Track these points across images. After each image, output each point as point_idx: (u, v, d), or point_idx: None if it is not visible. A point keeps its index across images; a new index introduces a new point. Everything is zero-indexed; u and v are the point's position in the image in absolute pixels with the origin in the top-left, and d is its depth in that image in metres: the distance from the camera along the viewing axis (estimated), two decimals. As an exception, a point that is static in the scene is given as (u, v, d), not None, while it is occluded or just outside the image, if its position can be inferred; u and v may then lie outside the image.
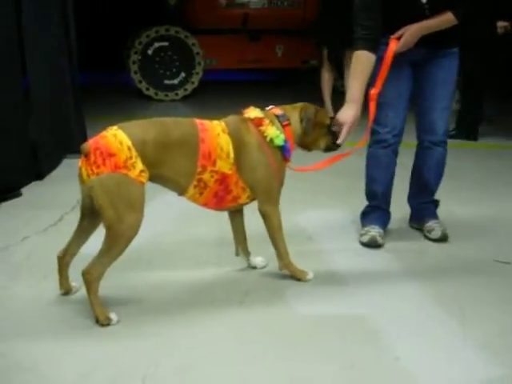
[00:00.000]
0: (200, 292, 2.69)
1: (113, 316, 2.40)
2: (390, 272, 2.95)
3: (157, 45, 8.38)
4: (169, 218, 3.59)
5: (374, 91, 2.92)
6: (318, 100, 6.85)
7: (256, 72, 10.18)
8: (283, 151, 2.65)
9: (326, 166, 2.92)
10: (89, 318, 2.41)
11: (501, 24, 5.76)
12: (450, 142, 3.30)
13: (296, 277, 2.77)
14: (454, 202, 3.87)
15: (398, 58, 2.95)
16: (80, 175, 2.36)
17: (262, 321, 2.45)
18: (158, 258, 3.03)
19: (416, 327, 2.43)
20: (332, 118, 2.85)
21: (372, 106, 2.93)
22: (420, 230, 3.42)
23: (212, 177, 2.52)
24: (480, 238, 3.38)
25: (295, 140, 2.73)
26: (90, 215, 2.46)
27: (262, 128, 2.62)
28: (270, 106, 2.76)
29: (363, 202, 3.41)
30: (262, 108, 2.74)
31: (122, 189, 2.30)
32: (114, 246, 2.34)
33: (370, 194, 3.36)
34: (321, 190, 4.19)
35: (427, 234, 3.34)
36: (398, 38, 2.93)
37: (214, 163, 2.51)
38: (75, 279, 2.56)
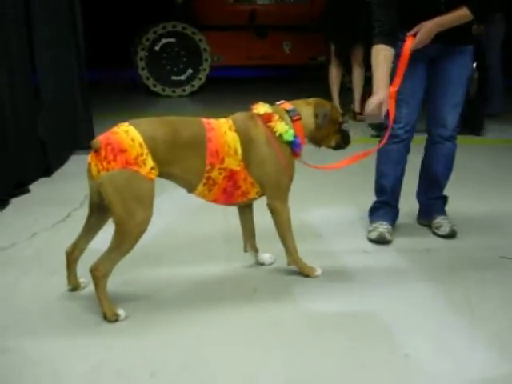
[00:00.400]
0: (208, 288, 2.69)
1: (121, 312, 2.41)
2: (399, 268, 2.94)
3: (164, 41, 8.38)
4: (176, 214, 3.59)
5: (392, 89, 2.91)
6: (326, 96, 6.83)
7: (263, 68, 10.16)
8: (292, 146, 2.65)
9: (348, 164, 2.92)
10: (97, 313, 2.41)
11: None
12: (458, 138, 3.28)
13: (304, 273, 2.77)
14: (462, 198, 3.85)
15: (414, 54, 2.94)
16: (89, 171, 2.36)
17: (270, 318, 2.45)
18: (166, 254, 3.03)
19: (425, 324, 2.42)
20: (343, 115, 2.85)
21: (392, 104, 2.92)
22: (428, 226, 3.41)
23: (220, 174, 2.53)
24: (488, 234, 3.36)
25: (306, 135, 2.73)
26: (98, 211, 2.47)
27: (271, 124, 2.61)
28: (281, 101, 2.75)
29: (371, 199, 3.40)
30: (272, 103, 2.73)
31: (132, 185, 2.30)
32: (124, 242, 2.35)
33: (379, 189, 3.35)
34: (328, 187, 4.19)
35: (435, 231, 3.33)
36: (414, 35, 2.92)
37: (222, 161, 2.51)
38: (83, 275, 2.57)
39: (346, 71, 7.47)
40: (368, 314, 2.49)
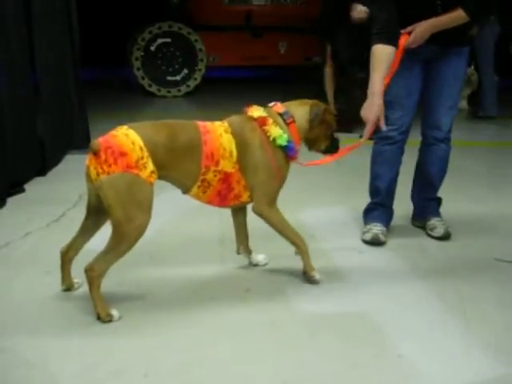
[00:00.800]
0: (202, 289, 2.69)
1: (114, 312, 2.40)
2: (393, 270, 2.94)
3: (160, 41, 8.39)
4: (170, 215, 3.59)
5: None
6: (321, 97, 6.84)
7: (258, 69, 10.17)
8: (286, 151, 2.63)
9: (336, 158, 2.89)
10: (92, 313, 2.41)
11: None
12: (453, 140, 3.29)
13: (305, 268, 2.74)
14: (456, 200, 3.86)
15: (409, 56, 2.94)
16: (87, 174, 2.34)
17: (264, 318, 2.44)
18: (160, 255, 3.03)
19: (418, 325, 2.42)
20: (337, 120, 2.84)
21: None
22: (423, 227, 3.41)
23: (215, 176, 2.53)
24: (483, 236, 3.37)
25: (301, 135, 2.71)
26: (96, 214, 2.46)
27: (266, 127, 2.60)
28: (273, 103, 2.74)
29: (365, 200, 3.41)
30: (265, 105, 2.73)
31: (132, 189, 2.29)
32: (121, 244, 2.34)
33: (373, 191, 3.36)
34: (323, 187, 4.19)
35: (430, 232, 3.34)
36: (409, 34, 2.93)
37: (217, 163, 2.51)
38: (78, 275, 2.56)
39: (342, 72, 7.47)
40: (361, 314, 2.49)
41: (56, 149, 4.76)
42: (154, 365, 2.11)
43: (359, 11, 5.79)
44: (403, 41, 2.92)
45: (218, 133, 2.54)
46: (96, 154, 2.29)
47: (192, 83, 8.59)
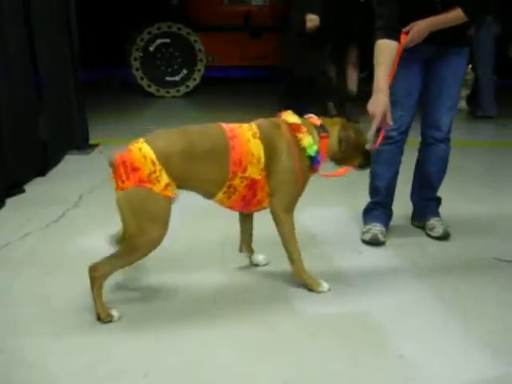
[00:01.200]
0: (202, 290, 2.69)
1: (114, 313, 2.40)
2: (392, 270, 2.94)
3: (159, 41, 8.39)
4: (174, 218, 3.57)
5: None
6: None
7: (257, 69, 10.16)
8: (312, 162, 2.60)
9: (349, 171, 2.85)
10: (91, 313, 2.41)
11: None
12: (452, 140, 3.29)
13: (308, 286, 2.68)
14: (455, 199, 3.86)
15: (408, 56, 2.94)
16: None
17: (264, 319, 2.45)
18: (162, 257, 3.02)
19: (418, 325, 2.43)
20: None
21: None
22: (422, 227, 3.42)
23: (242, 182, 2.50)
24: (482, 236, 3.37)
25: (328, 154, 2.68)
26: None
27: (300, 135, 2.57)
28: (309, 115, 2.72)
29: (365, 200, 3.41)
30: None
31: (145, 203, 2.30)
32: (132, 255, 2.36)
33: (373, 191, 3.36)
34: (323, 187, 4.17)
35: (429, 232, 3.34)
36: (407, 33, 2.93)
37: (245, 169, 2.49)
38: (80, 275, 2.56)
39: (340, 72, 7.48)
40: (362, 314, 2.49)
41: (56, 149, 4.76)
42: (154, 365, 2.11)
43: (311, 19, 5.87)
44: (402, 39, 2.92)
45: (246, 137, 2.51)
46: (114, 169, 2.32)
47: (191, 83, 8.58)
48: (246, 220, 2.87)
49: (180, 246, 3.15)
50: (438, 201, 3.45)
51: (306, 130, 2.59)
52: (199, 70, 8.58)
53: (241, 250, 2.91)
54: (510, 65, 7.53)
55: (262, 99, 6.07)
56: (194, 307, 2.53)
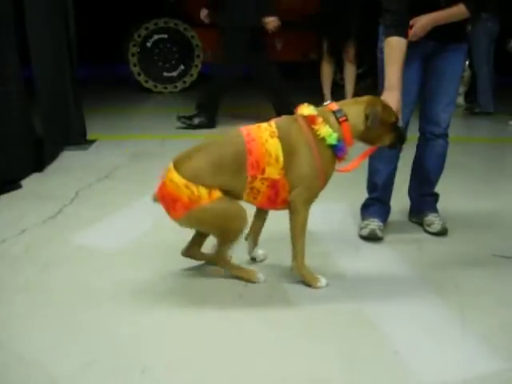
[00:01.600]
0: (199, 284, 2.68)
1: (260, 275, 2.69)
2: (389, 266, 2.94)
3: (156, 37, 8.36)
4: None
5: None
6: (318, 93, 6.84)
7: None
8: (335, 150, 2.58)
9: (361, 161, 2.84)
10: (88, 311, 2.41)
11: None
12: (450, 136, 3.29)
13: (306, 282, 2.68)
14: (453, 195, 3.86)
15: (409, 52, 2.91)
16: None
17: (261, 314, 2.44)
18: (158, 251, 3.02)
19: (415, 321, 2.42)
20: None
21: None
22: (420, 223, 3.41)
23: (263, 183, 2.53)
24: (480, 231, 3.37)
25: (354, 135, 2.64)
26: None
27: (315, 126, 2.55)
28: (328, 101, 2.69)
29: (363, 195, 3.41)
30: (310, 103, 2.65)
31: (205, 217, 2.49)
32: (229, 238, 2.60)
33: (371, 186, 3.36)
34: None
35: (427, 228, 3.34)
36: (410, 27, 2.91)
37: (263, 171, 2.51)
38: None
39: (338, 68, 7.48)
40: (359, 310, 2.49)
41: (53, 145, 4.74)
42: (152, 361, 2.10)
43: (270, 21, 5.87)
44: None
45: (264, 139, 2.53)
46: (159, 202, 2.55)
47: (188, 79, 8.56)
48: (260, 213, 2.88)
49: (175, 238, 3.15)
50: (436, 197, 3.45)
51: (321, 120, 2.56)
52: (197, 66, 8.56)
53: (246, 239, 2.90)
54: (508, 62, 7.53)
55: (258, 95, 6.05)
56: (190, 303, 2.52)
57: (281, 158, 2.52)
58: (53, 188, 4.03)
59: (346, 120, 2.59)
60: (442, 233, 3.28)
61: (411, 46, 2.92)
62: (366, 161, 3.31)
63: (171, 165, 2.51)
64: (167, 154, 5.09)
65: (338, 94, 7.00)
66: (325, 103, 2.70)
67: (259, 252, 2.92)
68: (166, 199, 2.48)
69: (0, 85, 3.96)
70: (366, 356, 2.17)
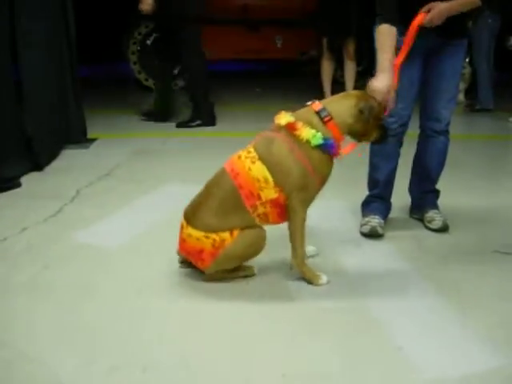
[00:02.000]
0: (201, 283, 2.68)
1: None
2: (391, 262, 2.94)
3: (156, 35, 8.35)
4: (168, 208, 3.57)
5: (397, 61, 2.85)
6: (318, 90, 6.83)
7: (255, 62, 10.15)
8: (324, 149, 2.55)
9: (353, 148, 2.79)
10: (90, 309, 2.41)
11: None
12: (450, 133, 3.29)
13: (307, 279, 2.69)
14: (454, 192, 3.86)
15: (410, 49, 2.89)
16: None
17: (263, 311, 2.45)
18: (159, 248, 3.02)
19: (417, 317, 2.43)
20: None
21: (396, 74, 2.84)
22: (420, 220, 3.42)
23: (265, 207, 2.57)
24: (481, 228, 3.38)
25: (343, 130, 2.61)
26: None
27: (297, 132, 2.53)
28: (311, 101, 2.65)
29: (363, 192, 3.41)
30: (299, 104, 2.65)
31: (231, 256, 2.58)
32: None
33: (371, 183, 3.36)
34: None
35: (428, 224, 3.34)
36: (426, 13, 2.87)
37: (259, 197, 2.54)
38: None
39: (338, 66, 7.48)
40: (361, 307, 2.49)
41: (51, 144, 4.73)
42: (153, 359, 2.11)
43: (145, 3, 5.90)
44: (421, 18, 2.85)
45: (247, 168, 2.55)
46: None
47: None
48: None
49: (176, 236, 3.15)
50: (437, 193, 3.45)
51: (301, 125, 2.54)
52: (196, 64, 8.55)
53: None
54: (508, 59, 7.52)
55: (259, 92, 6.05)
56: (191, 300, 2.53)
57: (270, 179, 2.53)
58: (53, 186, 4.03)
59: (331, 119, 2.57)
60: (443, 229, 3.29)
61: (414, 43, 2.90)
62: (367, 158, 3.32)
63: (184, 221, 2.60)
64: (168, 152, 5.11)
65: (338, 91, 7.00)
66: (308, 103, 2.65)
67: (310, 248, 2.90)
68: (192, 253, 2.58)
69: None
70: (368, 352, 2.17)
